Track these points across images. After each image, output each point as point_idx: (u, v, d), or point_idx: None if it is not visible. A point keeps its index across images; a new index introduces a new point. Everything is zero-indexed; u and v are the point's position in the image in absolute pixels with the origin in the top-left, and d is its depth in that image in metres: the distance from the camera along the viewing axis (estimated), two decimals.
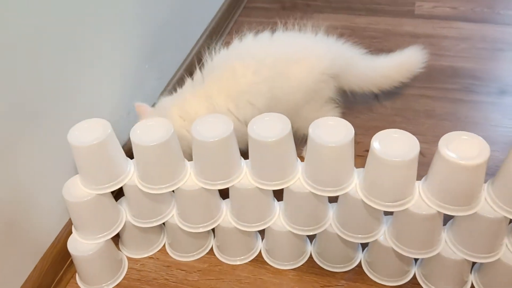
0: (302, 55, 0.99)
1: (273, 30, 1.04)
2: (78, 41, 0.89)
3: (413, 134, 0.71)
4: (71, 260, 0.89)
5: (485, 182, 0.73)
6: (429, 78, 1.31)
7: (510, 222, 0.76)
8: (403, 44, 1.43)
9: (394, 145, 0.70)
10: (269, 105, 0.95)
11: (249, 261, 0.92)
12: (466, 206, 0.71)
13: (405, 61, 1.15)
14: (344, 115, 0.77)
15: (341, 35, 1.48)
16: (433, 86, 1.28)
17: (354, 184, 0.77)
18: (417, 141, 0.70)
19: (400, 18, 1.58)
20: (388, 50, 1.42)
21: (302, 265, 0.91)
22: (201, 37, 1.41)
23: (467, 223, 0.75)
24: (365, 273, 0.88)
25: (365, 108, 1.24)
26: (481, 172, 0.69)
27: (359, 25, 1.57)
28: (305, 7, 1.69)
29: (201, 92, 0.97)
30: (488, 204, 0.72)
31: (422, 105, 1.23)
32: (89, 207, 0.81)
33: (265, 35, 1.02)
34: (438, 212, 0.73)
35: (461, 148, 0.68)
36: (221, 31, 1.55)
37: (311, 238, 0.93)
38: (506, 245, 0.78)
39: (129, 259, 0.94)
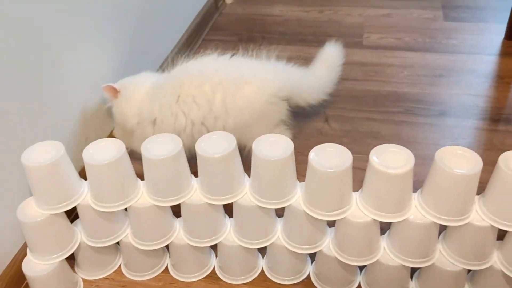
0: (252, 77, 1.06)
1: (232, 55, 1.13)
2: (35, 63, 0.93)
3: (360, 154, 0.77)
4: (27, 282, 0.90)
5: (415, 191, 0.80)
6: (375, 103, 1.40)
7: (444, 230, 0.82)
8: (352, 72, 1.53)
9: (329, 157, 0.76)
10: (211, 121, 1.04)
11: (203, 278, 0.95)
12: (398, 213, 0.77)
13: (328, 59, 1.26)
14: (295, 138, 0.82)
15: (294, 63, 1.57)
16: (379, 110, 1.37)
17: (297, 197, 0.82)
18: (350, 154, 0.76)
19: (350, 48, 1.67)
20: (338, 77, 1.52)
21: (254, 279, 0.94)
22: (159, 68, 1.47)
23: (401, 229, 0.80)
24: (313, 284, 0.92)
25: (315, 131, 1.31)
26: (409, 180, 0.75)
27: (312, 55, 1.64)
28: (261, 39, 1.77)
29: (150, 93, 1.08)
30: (418, 211, 0.78)
31: (368, 127, 1.31)
32: (42, 228, 0.84)
33: (223, 57, 1.11)
34: (374, 220, 0.78)
35: (389, 159, 0.74)
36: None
37: (263, 253, 0.97)
38: (440, 250, 0.84)
39: (84, 281, 0.95)
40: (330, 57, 1.25)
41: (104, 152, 0.80)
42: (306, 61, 1.61)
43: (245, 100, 1.04)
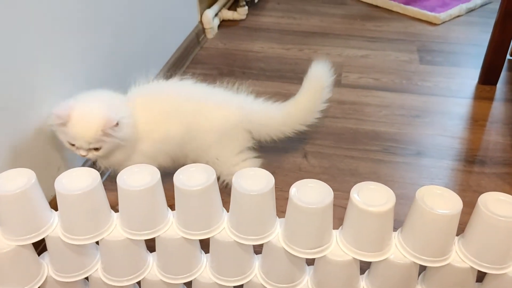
0: (219, 104, 1.13)
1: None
2: (5, 87, 0.91)
3: (338, 191, 0.77)
4: None
5: (395, 230, 0.79)
6: (353, 141, 1.41)
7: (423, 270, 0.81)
8: (330, 109, 1.55)
9: (310, 193, 0.75)
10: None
11: None
12: (378, 252, 0.76)
13: (314, 81, 1.25)
14: (274, 174, 0.83)
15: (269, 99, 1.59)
16: (357, 148, 1.38)
17: (277, 233, 0.80)
18: (331, 190, 0.75)
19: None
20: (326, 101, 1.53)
21: None
22: None
23: (381, 269, 0.79)
24: None
25: (294, 167, 1.30)
26: (390, 219, 0.74)
27: (291, 91, 1.66)
28: (241, 74, 1.79)
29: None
30: (398, 250, 0.77)
31: (346, 165, 1.31)
32: (8, 259, 0.79)
33: (198, 84, 1.18)
34: (354, 258, 0.77)
35: (370, 196, 0.74)
36: None
37: None
38: None
39: None
40: (317, 78, 1.25)
41: (77, 181, 0.77)
42: (285, 97, 1.64)
43: (210, 123, 1.09)
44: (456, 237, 0.78)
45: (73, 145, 0.97)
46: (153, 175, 0.78)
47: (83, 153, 0.98)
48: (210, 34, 2.05)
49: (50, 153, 1.06)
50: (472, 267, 0.75)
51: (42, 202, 0.80)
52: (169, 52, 1.72)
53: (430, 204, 0.72)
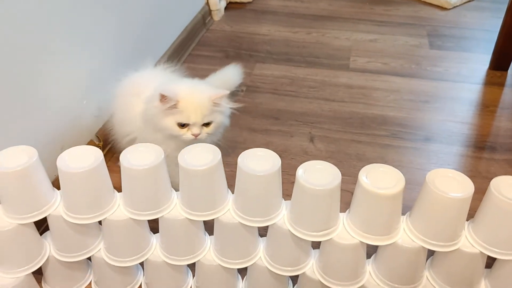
0: None
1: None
2: (11, 66, 0.89)
3: (345, 175, 0.75)
4: None
5: (403, 214, 0.77)
6: (361, 125, 1.39)
7: (431, 255, 0.80)
8: (338, 93, 1.53)
9: (318, 175, 0.73)
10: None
11: None
12: (386, 236, 0.74)
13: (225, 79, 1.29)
14: (281, 157, 0.82)
15: (281, 84, 1.56)
16: (364, 132, 1.36)
17: (282, 215, 0.79)
18: (339, 172, 0.74)
19: (336, 70, 1.68)
20: (324, 98, 1.51)
21: None
22: None
23: (388, 253, 0.77)
24: None
25: (300, 151, 1.28)
26: (399, 202, 0.72)
27: (298, 75, 1.66)
28: (248, 57, 1.76)
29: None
30: (406, 234, 0.75)
31: (353, 149, 1.29)
32: (10, 238, 0.78)
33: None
34: (361, 242, 0.75)
35: (379, 179, 0.72)
36: None
37: (243, 274, 0.92)
38: (427, 277, 0.81)
39: None
40: (227, 78, 1.30)
41: (80, 160, 0.75)
42: (291, 80, 1.62)
43: None
44: (466, 222, 0.76)
45: (183, 126, 0.96)
46: (157, 154, 0.76)
47: (196, 130, 0.96)
48: (216, 16, 2.02)
49: (53, 132, 1.05)
50: (481, 253, 0.74)
51: (44, 181, 0.78)
52: (175, 34, 1.69)
53: (441, 187, 0.70)
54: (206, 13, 1.95)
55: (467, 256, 0.75)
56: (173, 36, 1.68)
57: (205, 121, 0.96)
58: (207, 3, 1.97)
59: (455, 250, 0.74)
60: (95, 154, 0.76)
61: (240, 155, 0.76)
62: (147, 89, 1.03)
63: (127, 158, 0.76)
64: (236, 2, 2.17)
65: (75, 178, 0.74)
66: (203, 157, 0.76)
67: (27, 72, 0.94)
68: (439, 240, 0.73)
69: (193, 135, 0.96)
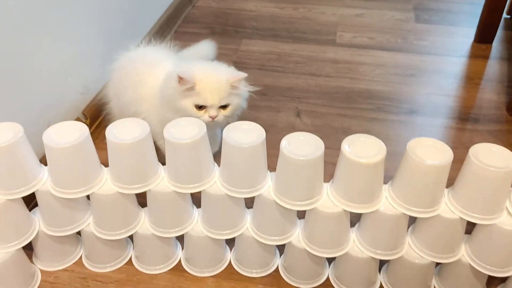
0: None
1: None
2: None
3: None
4: None
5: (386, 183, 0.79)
6: (347, 100, 1.40)
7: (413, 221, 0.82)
8: (325, 68, 1.53)
9: (301, 145, 0.74)
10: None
11: (168, 270, 0.92)
12: (368, 204, 0.76)
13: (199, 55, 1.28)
14: (267, 132, 0.83)
15: (267, 60, 1.57)
16: (351, 106, 1.37)
17: (268, 186, 0.80)
18: (322, 143, 0.75)
19: (323, 46, 1.68)
20: (311, 74, 1.51)
21: (221, 271, 0.92)
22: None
23: (370, 221, 0.80)
24: (281, 277, 0.91)
25: (287, 125, 1.30)
26: (380, 170, 0.74)
27: (285, 51, 1.66)
28: (234, 33, 1.75)
29: None
30: (388, 202, 0.78)
31: (339, 123, 1.31)
32: None
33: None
34: (344, 210, 0.77)
35: (360, 149, 0.73)
36: None
37: (231, 245, 0.94)
38: (409, 243, 0.83)
39: (42, 272, 0.91)
40: (201, 53, 1.28)
41: (66, 135, 0.76)
42: (278, 56, 1.62)
43: None
44: (446, 189, 0.78)
45: (200, 108, 0.95)
46: (143, 129, 0.77)
47: (213, 113, 0.95)
48: None
49: (39, 111, 1.05)
50: (461, 218, 0.76)
51: (31, 157, 0.79)
52: (160, 11, 1.68)
53: (421, 155, 0.71)
54: None
55: (446, 222, 0.77)
56: (158, 13, 1.67)
57: (222, 104, 0.96)
58: None
59: (435, 216, 0.77)
60: (81, 130, 0.77)
61: (225, 128, 0.77)
62: (159, 68, 1.02)
63: (112, 132, 0.76)
64: None
65: (61, 153, 0.75)
66: (189, 130, 0.76)
67: (10, 51, 0.94)
68: (420, 206, 0.75)
69: (210, 117, 0.95)
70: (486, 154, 0.72)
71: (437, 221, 0.78)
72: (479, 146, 0.74)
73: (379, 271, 0.90)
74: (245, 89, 1.00)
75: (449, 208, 0.77)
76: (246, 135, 0.76)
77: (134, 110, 1.03)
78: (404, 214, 0.77)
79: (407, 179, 0.74)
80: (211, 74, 0.96)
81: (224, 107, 0.97)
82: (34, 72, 1.02)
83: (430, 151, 0.73)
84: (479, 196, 0.74)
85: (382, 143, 0.75)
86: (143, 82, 1.03)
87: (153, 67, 1.04)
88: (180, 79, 0.92)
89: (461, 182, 0.75)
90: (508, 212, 0.76)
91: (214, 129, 1.05)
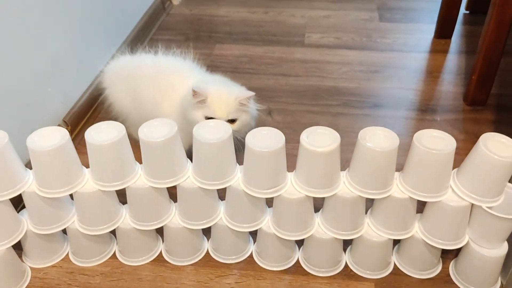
0: None
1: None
2: None
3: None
4: None
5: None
6: (315, 97, 1.49)
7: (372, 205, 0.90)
8: (294, 68, 1.62)
9: (264, 139, 0.82)
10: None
11: (150, 261, 0.99)
12: (327, 189, 0.85)
13: None
14: None
15: (240, 63, 1.64)
16: (318, 103, 1.46)
17: (237, 178, 0.88)
18: (283, 136, 0.83)
19: (292, 47, 1.77)
20: (281, 74, 1.60)
21: (199, 260, 0.99)
22: (105, 65, 1.49)
23: (331, 204, 0.88)
24: (255, 262, 0.98)
25: (259, 123, 1.34)
26: (335, 158, 0.82)
27: (257, 53, 1.74)
28: (207, 38, 1.83)
29: None
30: (346, 186, 0.86)
31: (308, 119, 1.39)
32: None
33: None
34: (307, 196, 0.85)
35: (317, 139, 0.82)
36: None
37: (208, 236, 1.02)
38: (368, 223, 0.92)
39: (32, 269, 0.97)
40: None
41: (48, 139, 0.82)
42: (250, 58, 1.70)
43: None
44: (397, 172, 0.86)
45: (209, 119, 1.01)
46: (119, 131, 0.84)
47: None
48: (176, 1, 2.07)
49: (22, 120, 1.11)
50: (410, 197, 0.85)
51: (16, 161, 0.85)
52: (135, 20, 1.75)
53: (370, 143, 0.80)
54: None
55: (398, 201, 0.86)
56: (134, 22, 1.74)
57: (230, 118, 1.03)
58: None
59: (388, 197, 0.85)
60: (62, 134, 0.84)
61: (195, 126, 0.85)
62: (190, 79, 1.10)
63: (91, 135, 0.83)
64: None
65: (45, 156, 0.81)
66: (161, 130, 0.84)
67: None
68: (373, 189, 0.84)
69: None
70: (428, 139, 0.81)
71: (390, 202, 0.86)
72: (422, 133, 0.83)
73: (344, 251, 0.98)
74: (253, 107, 1.08)
75: (400, 189, 0.85)
76: (214, 131, 0.84)
77: (154, 112, 1.10)
78: (360, 196, 0.85)
79: (360, 164, 0.83)
80: (222, 90, 1.05)
81: (232, 121, 1.05)
82: (15, 84, 1.08)
83: (378, 138, 0.81)
84: (424, 177, 0.82)
85: (337, 133, 0.83)
86: (174, 91, 1.10)
87: (184, 77, 1.12)
88: (194, 92, 1.01)
89: (408, 165, 0.84)
90: (452, 190, 0.84)
91: None
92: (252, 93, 1.06)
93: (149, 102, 1.13)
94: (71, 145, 0.85)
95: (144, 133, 0.83)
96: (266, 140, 0.82)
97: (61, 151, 0.82)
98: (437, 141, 0.81)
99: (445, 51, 1.72)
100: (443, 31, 1.78)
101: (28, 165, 0.89)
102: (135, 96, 1.16)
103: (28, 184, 0.87)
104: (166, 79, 1.13)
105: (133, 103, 1.17)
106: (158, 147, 0.83)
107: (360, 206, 0.88)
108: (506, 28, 1.29)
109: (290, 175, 0.88)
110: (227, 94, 1.04)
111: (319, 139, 0.82)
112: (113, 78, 1.21)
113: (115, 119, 1.17)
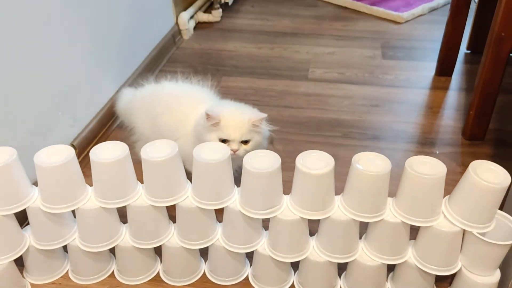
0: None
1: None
2: None
3: None
4: None
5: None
6: (316, 128, 1.52)
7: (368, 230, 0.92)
8: (297, 101, 1.67)
9: (261, 161, 0.86)
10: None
11: (147, 281, 1.00)
12: (322, 211, 0.87)
13: None
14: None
15: (245, 94, 1.69)
16: (319, 134, 1.49)
17: (235, 199, 0.91)
18: (279, 158, 0.86)
19: (296, 81, 1.82)
20: (284, 106, 1.64)
21: (196, 281, 1.00)
22: (115, 93, 1.55)
23: (326, 227, 0.90)
24: (251, 285, 0.99)
25: None
26: (329, 181, 0.85)
27: (261, 86, 1.79)
28: (215, 71, 1.89)
29: None
30: (340, 210, 0.88)
31: (308, 148, 1.38)
32: None
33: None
34: (302, 218, 0.88)
35: (312, 163, 0.85)
36: None
37: (205, 258, 1.03)
38: (362, 248, 0.93)
39: (32, 285, 0.99)
40: None
41: (54, 156, 0.86)
42: (255, 91, 1.75)
43: None
44: (390, 198, 0.89)
45: (223, 142, 1.06)
46: (122, 150, 0.88)
47: (235, 146, 1.06)
48: (186, 35, 2.16)
49: (31, 139, 1.15)
50: (403, 222, 0.86)
51: (23, 177, 0.89)
52: (146, 52, 1.82)
53: (363, 166, 0.83)
54: (176, 33, 2.09)
55: (391, 226, 0.87)
56: (144, 54, 1.81)
57: (243, 139, 1.07)
58: (177, 23, 2.11)
59: (381, 221, 0.87)
60: (67, 151, 0.88)
61: (195, 148, 0.88)
62: (202, 106, 1.13)
63: (95, 153, 0.87)
64: (204, 22, 2.32)
65: (50, 172, 0.85)
66: (163, 149, 0.87)
67: (6, 87, 1.05)
68: (366, 212, 0.86)
69: (232, 150, 1.05)
70: (419, 165, 0.84)
71: (383, 226, 0.88)
72: (413, 159, 0.86)
73: (340, 276, 0.99)
74: (265, 128, 1.12)
75: (393, 213, 0.87)
76: (213, 153, 0.87)
77: (171, 136, 1.12)
78: (354, 220, 0.87)
79: (354, 188, 0.85)
80: (235, 112, 1.09)
81: (245, 142, 1.08)
82: (28, 106, 1.13)
83: (371, 163, 0.84)
84: (416, 201, 0.85)
85: (331, 157, 0.86)
86: (187, 116, 1.15)
87: (198, 104, 1.16)
88: (208, 116, 1.05)
89: (401, 190, 0.86)
90: (444, 215, 0.86)
91: (238, 162, 1.08)
92: (264, 115, 1.09)
93: (165, 128, 1.18)
94: (76, 163, 0.88)
95: (146, 152, 0.87)
96: (263, 162, 0.86)
97: (65, 168, 0.86)
98: (428, 167, 0.84)
99: (445, 88, 1.76)
100: (444, 69, 1.82)
101: (35, 184, 0.92)
102: (154, 121, 1.21)
103: (33, 199, 0.90)
104: (181, 106, 1.18)
105: (152, 128, 1.22)
106: (159, 166, 0.86)
107: (354, 230, 0.90)
108: (501, 66, 1.34)
109: (287, 198, 0.91)
110: (240, 116, 1.08)
111: (314, 162, 0.85)
112: (136, 104, 1.27)
113: (135, 143, 1.25)
